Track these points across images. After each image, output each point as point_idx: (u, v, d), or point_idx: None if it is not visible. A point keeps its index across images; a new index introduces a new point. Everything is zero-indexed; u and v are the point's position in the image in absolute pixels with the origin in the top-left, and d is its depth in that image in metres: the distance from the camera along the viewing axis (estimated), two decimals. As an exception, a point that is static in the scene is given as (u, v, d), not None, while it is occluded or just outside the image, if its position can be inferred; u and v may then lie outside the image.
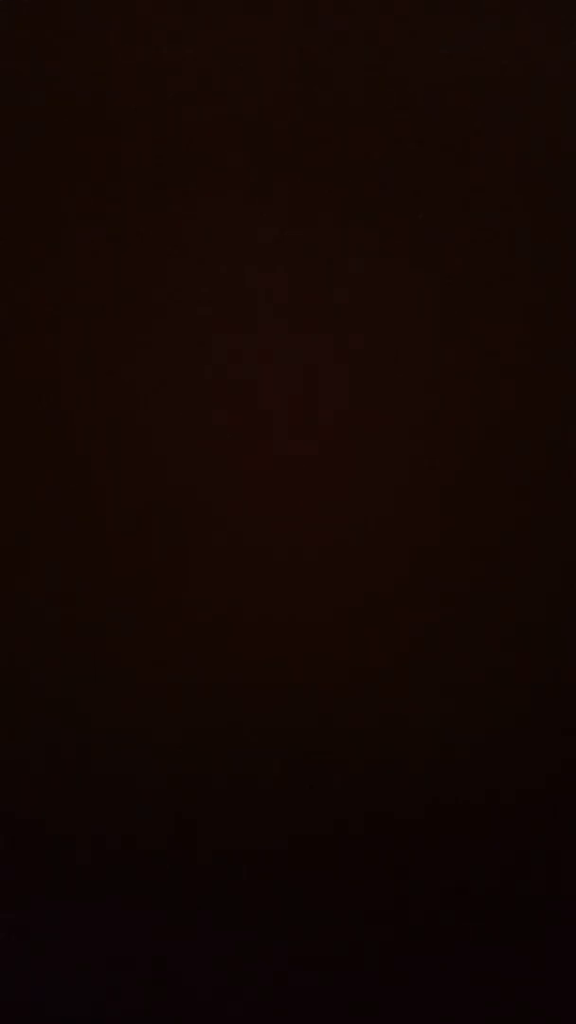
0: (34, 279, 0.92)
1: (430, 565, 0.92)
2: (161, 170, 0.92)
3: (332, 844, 0.92)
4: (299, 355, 0.91)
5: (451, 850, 0.92)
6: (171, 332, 0.92)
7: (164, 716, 0.92)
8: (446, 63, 0.91)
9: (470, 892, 0.92)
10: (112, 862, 0.93)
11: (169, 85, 0.92)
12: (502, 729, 0.92)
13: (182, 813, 0.92)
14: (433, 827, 0.92)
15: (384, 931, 0.93)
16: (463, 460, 0.92)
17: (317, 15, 0.91)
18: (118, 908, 0.93)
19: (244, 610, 0.92)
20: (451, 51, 0.91)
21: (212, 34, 0.92)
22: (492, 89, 0.91)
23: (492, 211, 0.92)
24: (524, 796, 0.92)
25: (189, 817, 0.92)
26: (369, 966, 0.93)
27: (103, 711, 0.92)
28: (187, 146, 0.92)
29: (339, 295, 0.91)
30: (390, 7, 0.91)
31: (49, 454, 0.92)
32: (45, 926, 0.93)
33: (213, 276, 0.92)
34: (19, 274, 0.92)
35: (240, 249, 0.92)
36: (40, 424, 0.92)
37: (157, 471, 0.92)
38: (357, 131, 0.91)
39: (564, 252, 0.92)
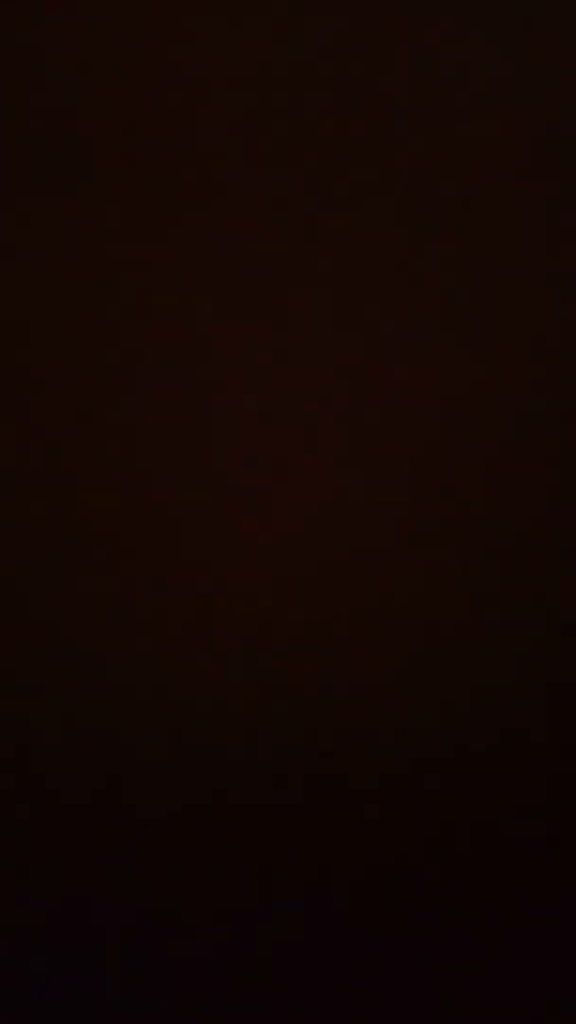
0: (33, 283, 0.92)
1: (432, 566, 0.92)
2: (161, 177, 0.92)
3: (334, 844, 0.92)
4: (299, 361, 0.92)
5: (453, 851, 0.92)
6: (169, 334, 0.92)
7: (164, 718, 0.92)
8: (448, 64, 0.92)
9: (473, 893, 0.93)
10: (111, 863, 0.93)
11: (169, 87, 0.92)
12: (506, 729, 0.92)
13: (181, 814, 0.92)
14: (435, 827, 0.92)
15: (386, 930, 0.93)
16: (466, 464, 0.92)
17: (318, 16, 0.92)
18: (117, 908, 0.93)
19: (245, 611, 0.92)
20: (453, 52, 0.92)
21: (212, 35, 0.92)
22: (495, 88, 0.92)
23: (495, 214, 0.92)
24: (526, 796, 0.92)
25: (190, 818, 0.92)
26: (368, 968, 0.93)
27: (104, 712, 0.92)
28: (186, 157, 0.92)
29: (339, 303, 0.91)
30: (391, 8, 0.92)
31: (47, 459, 0.92)
32: (46, 922, 0.93)
33: (214, 282, 0.92)
34: (18, 278, 0.92)
35: (243, 256, 0.92)
36: (37, 431, 0.92)
37: (158, 474, 0.92)
38: (358, 133, 0.91)
39: (566, 254, 0.92)
